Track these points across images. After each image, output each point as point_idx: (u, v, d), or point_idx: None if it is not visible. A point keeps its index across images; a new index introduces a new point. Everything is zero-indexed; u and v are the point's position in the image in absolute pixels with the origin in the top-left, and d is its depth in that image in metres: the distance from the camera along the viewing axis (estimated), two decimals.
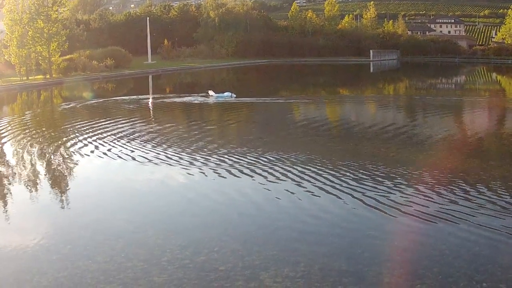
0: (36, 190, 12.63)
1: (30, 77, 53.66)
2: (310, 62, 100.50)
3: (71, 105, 32.75)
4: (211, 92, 34.25)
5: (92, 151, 16.67)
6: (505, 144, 18.96)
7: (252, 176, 13.21)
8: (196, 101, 32.92)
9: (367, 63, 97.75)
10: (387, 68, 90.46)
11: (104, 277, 7.60)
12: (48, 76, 55.46)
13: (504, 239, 8.88)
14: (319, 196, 11.37)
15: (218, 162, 14.80)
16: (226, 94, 33.38)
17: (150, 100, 36.30)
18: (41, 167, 14.92)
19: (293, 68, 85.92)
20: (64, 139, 19.55)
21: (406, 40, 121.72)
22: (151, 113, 30.00)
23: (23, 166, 15.16)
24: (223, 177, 13.24)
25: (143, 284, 7.38)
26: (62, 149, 17.28)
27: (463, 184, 12.16)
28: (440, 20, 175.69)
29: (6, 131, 21.81)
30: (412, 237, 9.16)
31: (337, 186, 12.12)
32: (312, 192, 11.68)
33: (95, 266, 7.99)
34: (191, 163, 14.73)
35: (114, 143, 18.10)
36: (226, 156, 15.58)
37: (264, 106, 31.75)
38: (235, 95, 33.11)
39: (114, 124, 22.85)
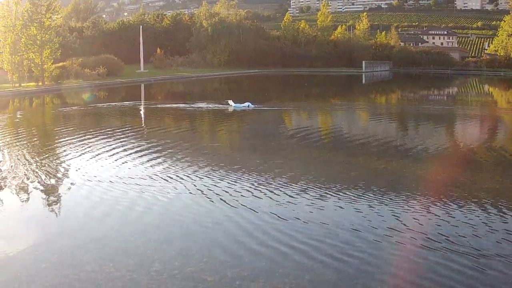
0: (24, 198, 12.56)
1: (22, 84, 53.68)
2: (302, 72, 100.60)
3: (66, 110, 32.88)
4: (230, 102, 34.76)
5: (85, 159, 16.65)
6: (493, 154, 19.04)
7: (244, 188, 13.17)
8: (216, 108, 34.69)
9: (359, 74, 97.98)
10: (379, 79, 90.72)
11: (93, 287, 7.57)
12: (40, 83, 55.42)
13: None
14: (309, 211, 11.37)
15: (208, 174, 14.81)
16: (245, 104, 33.88)
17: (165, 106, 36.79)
18: (29, 175, 14.75)
19: (286, 79, 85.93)
20: (55, 145, 19.48)
21: (398, 51, 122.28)
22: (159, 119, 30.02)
23: (11, 173, 15.03)
24: (212, 189, 13.15)
25: None
26: (51, 157, 17.23)
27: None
28: (433, 32, 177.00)
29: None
30: (407, 252, 9.16)
31: (329, 198, 12.17)
32: (301, 206, 11.67)
33: (84, 275, 7.96)
34: (183, 175, 14.74)
35: (112, 152, 18.10)
36: (217, 168, 15.61)
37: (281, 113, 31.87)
38: (253, 106, 33.62)
39: (124, 131, 22.85)
